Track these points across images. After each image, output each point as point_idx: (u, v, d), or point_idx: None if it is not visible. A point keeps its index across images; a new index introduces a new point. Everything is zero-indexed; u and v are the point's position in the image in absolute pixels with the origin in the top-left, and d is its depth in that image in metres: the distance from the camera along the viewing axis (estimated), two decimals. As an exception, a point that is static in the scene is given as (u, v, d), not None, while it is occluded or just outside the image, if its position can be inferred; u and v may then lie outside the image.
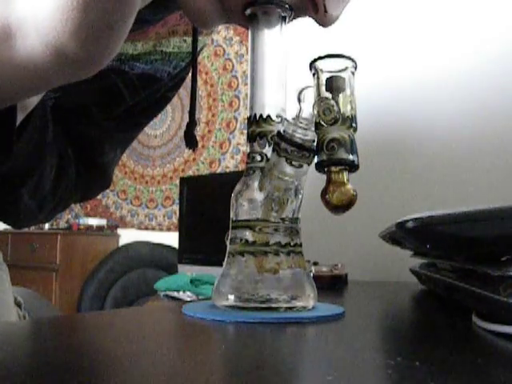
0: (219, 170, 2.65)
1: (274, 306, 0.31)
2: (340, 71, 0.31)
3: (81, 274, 2.71)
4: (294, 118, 0.31)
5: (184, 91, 2.28)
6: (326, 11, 0.30)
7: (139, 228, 2.99)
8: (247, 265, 0.31)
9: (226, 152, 2.65)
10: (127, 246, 2.80)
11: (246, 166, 0.34)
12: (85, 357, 0.21)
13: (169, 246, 2.70)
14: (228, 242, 0.33)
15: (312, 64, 0.31)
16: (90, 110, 0.49)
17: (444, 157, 0.73)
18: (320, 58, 0.31)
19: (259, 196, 0.32)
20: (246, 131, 0.35)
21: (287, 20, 0.33)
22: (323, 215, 0.34)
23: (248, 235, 0.32)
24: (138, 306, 2.36)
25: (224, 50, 2.74)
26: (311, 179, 0.33)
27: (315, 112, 0.30)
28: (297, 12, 0.32)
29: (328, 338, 0.27)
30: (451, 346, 0.25)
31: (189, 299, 1.85)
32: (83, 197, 0.56)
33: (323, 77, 0.31)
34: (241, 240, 0.32)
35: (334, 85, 0.30)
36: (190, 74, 0.47)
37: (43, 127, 0.43)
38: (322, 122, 0.30)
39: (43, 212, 0.50)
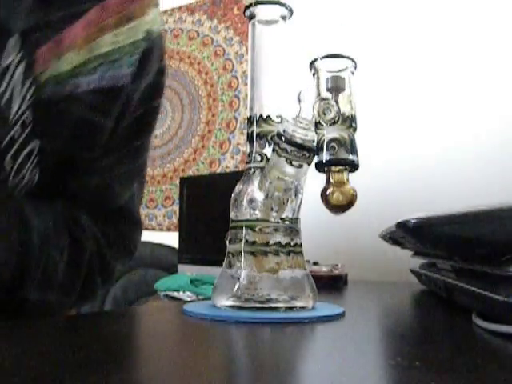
0: (219, 170, 2.64)
1: (273, 306, 0.31)
2: (340, 71, 0.31)
3: (81, 274, 2.70)
4: (294, 118, 0.31)
5: (184, 91, 2.28)
6: None
7: (139, 228, 2.99)
8: (247, 265, 0.31)
9: (225, 152, 2.65)
10: (127, 246, 2.79)
11: (246, 165, 0.34)
12: (85, 356, 0.21)
13: (169, 246, 2.69)
14: (228, 242, 0.33)
15: (312, 64, 0.31)
16: (76, 157, 0.43)
17: (444, 157, 0.72)
18: (320, 58, 0.31)
19: (259, 196, 0.32)
20: (245, 131, 0.35)
21: (287, 19, 0.33)
22: (323, 215, 0.34)
23: (248, 235, 0.32)
24: (138, 306, 2.36)
25: (224, 50, 2.73)
26: (311, 179, 0.33)
27: (315, 112, 0.30)
28: None
29: (328, 338, 0.27)
30: (451, 345, 0.25)
31: (189, 299, 1.84)
32: (125, 253, 0.50)
33: (323, 77, 0.31)
34: (241, 240, 0.32)
35: (333, 85, 0.31)
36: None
37: (22, 224, 0.38)
38: (322, 122, 0.30)
39: (70, 297, 0.44)
